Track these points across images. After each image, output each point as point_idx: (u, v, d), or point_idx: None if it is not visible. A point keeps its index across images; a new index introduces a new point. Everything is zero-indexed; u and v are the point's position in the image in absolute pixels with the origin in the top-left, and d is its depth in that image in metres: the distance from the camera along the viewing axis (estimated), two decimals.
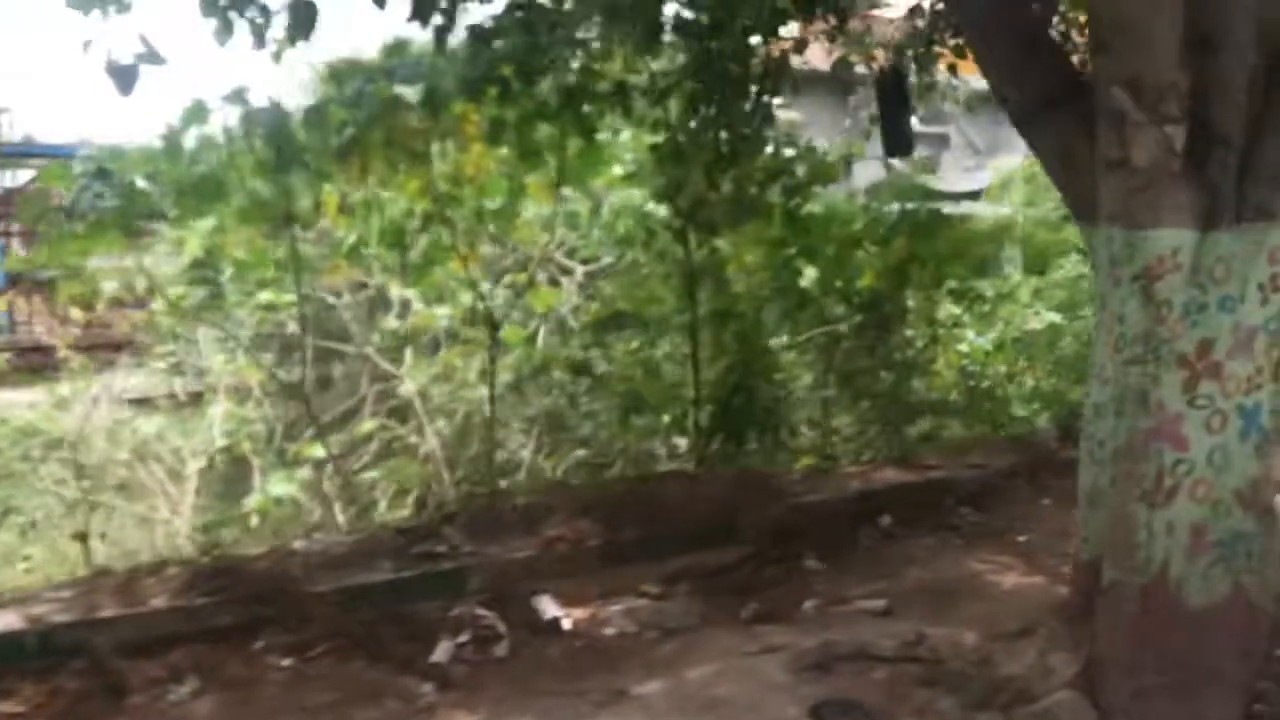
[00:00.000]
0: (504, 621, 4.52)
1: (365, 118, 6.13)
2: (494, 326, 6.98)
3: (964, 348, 9.89)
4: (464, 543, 4.91)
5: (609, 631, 4.58)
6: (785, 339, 7.60)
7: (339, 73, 6.12)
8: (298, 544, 4.90)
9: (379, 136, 6.28)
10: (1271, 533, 3.63)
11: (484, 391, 8.59)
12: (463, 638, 4.32)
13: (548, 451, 8.54)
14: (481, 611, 4.47)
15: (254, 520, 8.59)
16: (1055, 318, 10.12)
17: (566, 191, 8.45)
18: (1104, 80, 3.49)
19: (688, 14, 5.96)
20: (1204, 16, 3.54)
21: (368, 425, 8.86)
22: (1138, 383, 3.58)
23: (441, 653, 4.21)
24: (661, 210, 6.90)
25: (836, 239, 7.88)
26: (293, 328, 10.00)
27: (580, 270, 9.12)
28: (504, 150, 7.46)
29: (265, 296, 8.74)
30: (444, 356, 8.71)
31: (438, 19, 5.71)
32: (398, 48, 6.45)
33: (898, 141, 5.02)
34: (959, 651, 3.97)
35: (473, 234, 8.22)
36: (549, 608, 4.68)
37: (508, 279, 8.53)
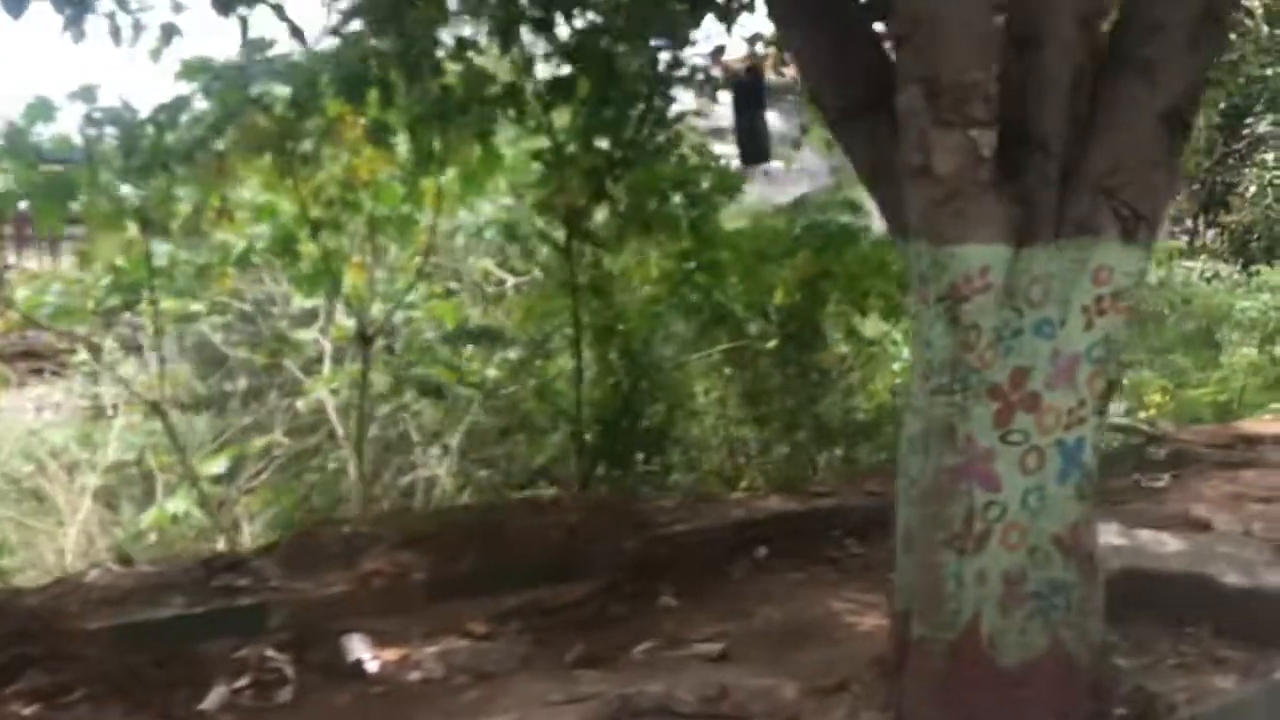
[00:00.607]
0: (300, 664, 4.16)
1: (215, 118, 5.80)
2: (366, 340, 6.62)
3: (897, 366, 9.56)
4: (275, 575, 4.55)
5: (414, 676, 4.21)
6: (689, 357, 7.25)
7: (191, 70, 5.77)
8: (92, 574, 4.54)
9: (234, 137, 5.95)
10: (1093, 583, 3.27)
11: (392, 405, 8.27)
12: (242, 682, 3.95)
13: (456, 471, 8.21)
14: (271, 653, 4.10)
15: (152, 537, 8.26)
16: None
17: (507, 200, 8.14)
18: (903, 78, 3.14)
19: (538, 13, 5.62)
20: (1023, 10, 3.21)
21: (259, 442, 8.52)
22: (944, 415, 3.22)
23: (213, 699, 3.84)
24: (543, 222, 6.56)
25: (746, 252, 7.55)
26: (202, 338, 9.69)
27: (511, 282, 8.80)
28: (400, 155, 7.16)
29: (167, 305, 8.43)
30: (351, 371, 8.39)
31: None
32: (258, 45, 6.11)
33: (752, 148, 4.67)
34: (768, 706, 3.61)
35: (370, 242, 7.91)
36: (357, 649, 4.31)
37: (418, 291, 8.24)
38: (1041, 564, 3.20)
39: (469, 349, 7.86)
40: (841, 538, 5.93)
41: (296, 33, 5.58)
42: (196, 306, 8.53)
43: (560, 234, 6.32)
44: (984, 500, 3.17)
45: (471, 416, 8.03)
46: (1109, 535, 4.85)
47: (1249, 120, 11.95)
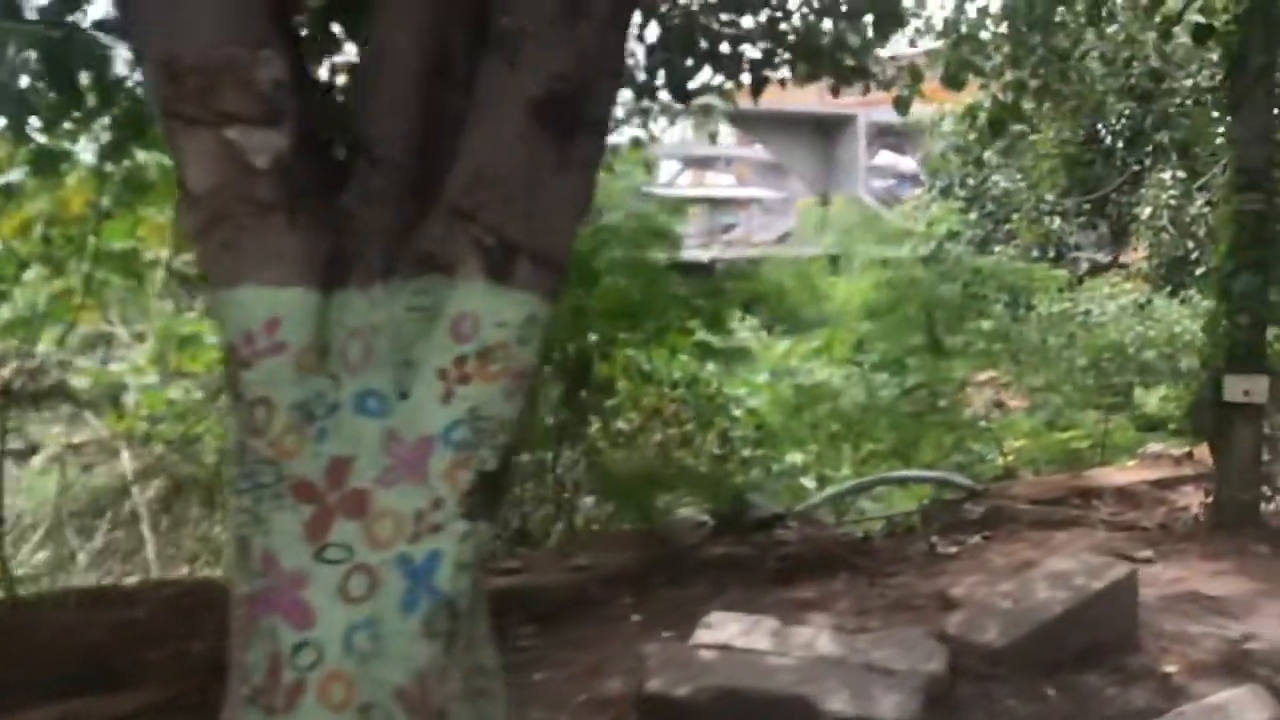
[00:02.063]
0: None
1: None
2: (5, 393, 5.78)
3: (738, 412, 8.75)
4: None
5: None
6: None
7: None
8: None
9: None
10: None
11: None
12: None
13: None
14: None
15: None
16: (828, 375, 8.88)
17: None
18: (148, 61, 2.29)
19: None
20: None
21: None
22: (239, 524, 2.34)
23: None
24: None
25: None
26: None
27: None
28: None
29: None
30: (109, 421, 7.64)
31: None
32: None
33: None
34: None
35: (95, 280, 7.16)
36: None
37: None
38: None
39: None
40: (520, 624, 5.02)
41: None
42: None
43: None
44: (293, 641, 2.29)
45: None
46: (756, 636, 3.96)
47: (1156, 135, 10.97)
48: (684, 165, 53.37)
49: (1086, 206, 11.70)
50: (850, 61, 4.85)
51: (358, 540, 2.29)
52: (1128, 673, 4.15)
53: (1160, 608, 4.93)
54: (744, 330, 13.84)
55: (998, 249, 11.56)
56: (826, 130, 43.59)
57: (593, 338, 7.23)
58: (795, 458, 9.46)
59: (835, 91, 5.04)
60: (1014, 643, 4.00)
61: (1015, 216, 11.46)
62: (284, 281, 2.26)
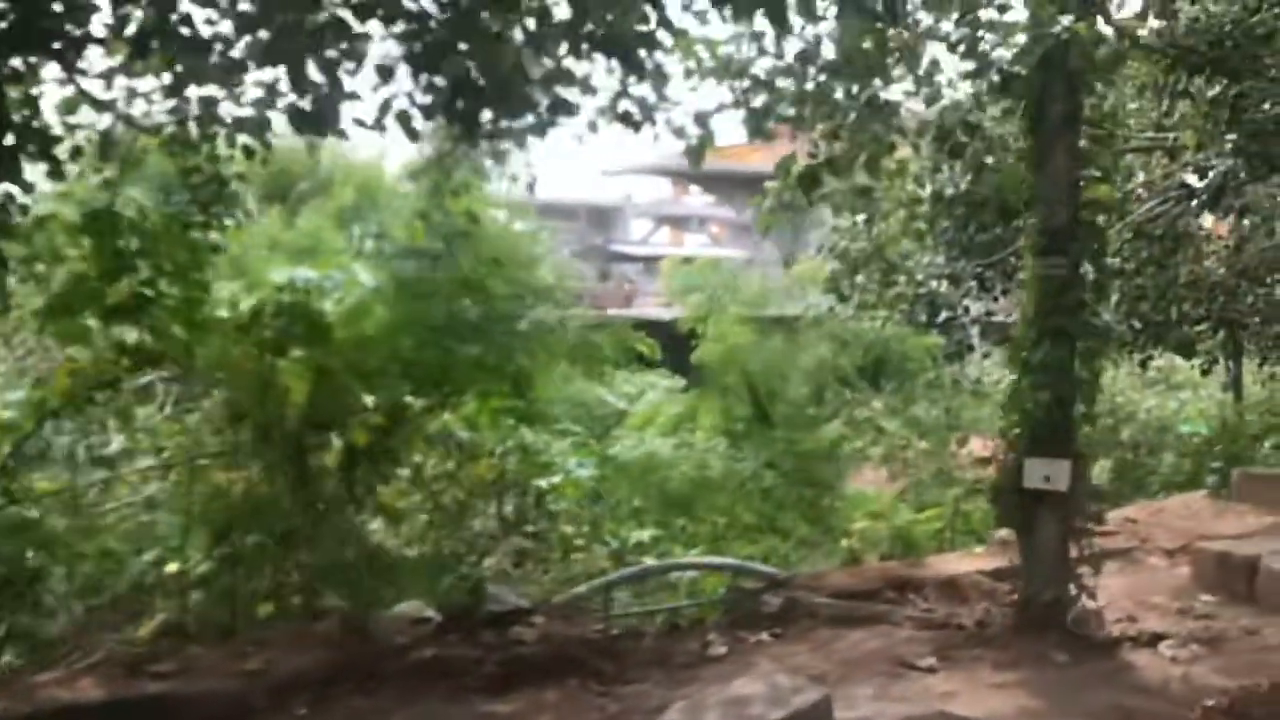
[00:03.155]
0: None
1: None
2: None
3: (552, 481, 8.09)
4: None
5: None
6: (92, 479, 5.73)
7: None
8: None
9: None
10: None
11: None
12: None
13: None
14: None
15: None
16: (659, 446, 8.20)
17: None
18: None
19: None
20: None
21: None
22: None
23: None
24: None
25: (238, 343, 6.06)
26: None
27: None
28: None
29: None
30: None
31: None
32: None
33: None
34: None
35: None
36: None
37: None
38: None
39: None
40: None
41: None
42: None
43: None
44: None
45: None
46: None
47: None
48: (657, 224, 53.13)
49: (979, 269, 11.07)
50: (545, 98, 4.25)
51: None
52: None
53: None
54: (653, 392, 13.21)
55: (883, 313, 10.95)
56: None
57: (370, 400, 6.56)
58: (641, 534, 8.76)
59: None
60: None
61: (900, 280, 10.87)
62: None
